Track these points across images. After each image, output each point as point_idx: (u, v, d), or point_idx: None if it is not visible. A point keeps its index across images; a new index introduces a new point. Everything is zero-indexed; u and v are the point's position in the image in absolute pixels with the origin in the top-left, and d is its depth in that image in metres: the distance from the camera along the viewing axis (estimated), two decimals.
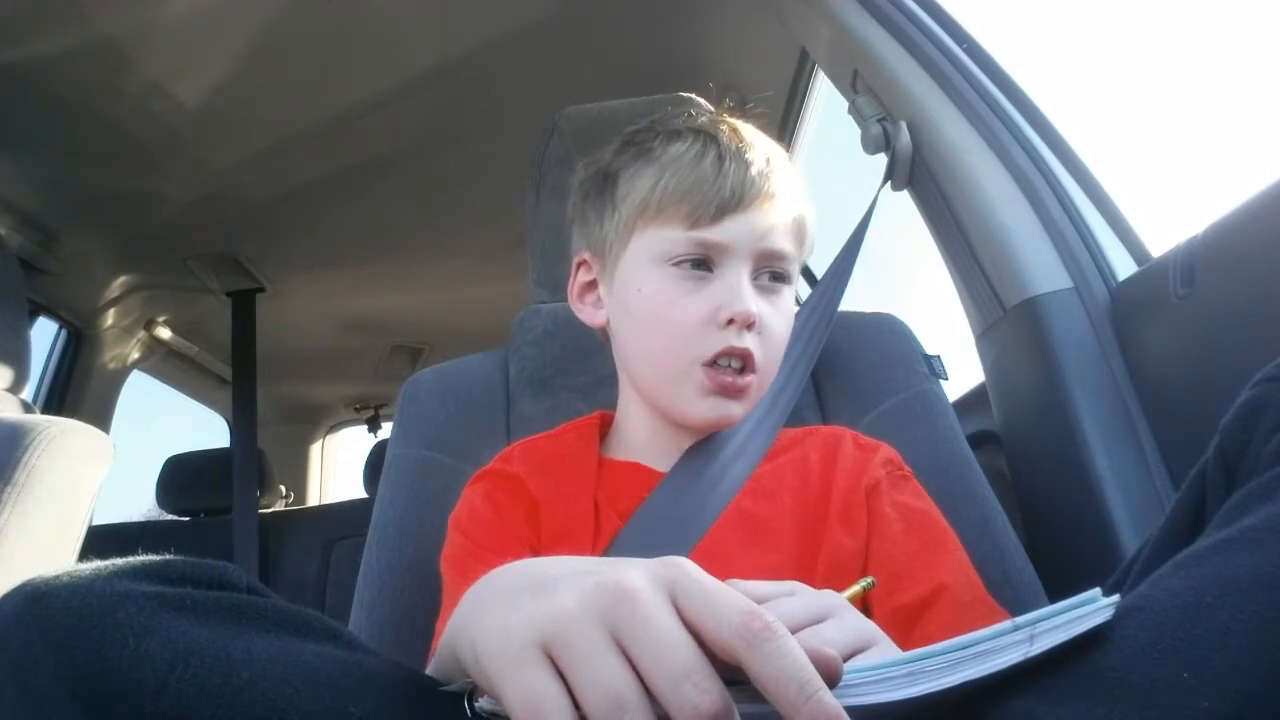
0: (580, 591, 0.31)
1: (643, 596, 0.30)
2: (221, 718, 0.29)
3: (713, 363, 0.66)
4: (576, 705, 0.29)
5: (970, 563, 0.64)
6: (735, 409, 0.68)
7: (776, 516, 0.67)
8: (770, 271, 0.69)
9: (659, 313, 0.68)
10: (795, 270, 0.72)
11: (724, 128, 0.71)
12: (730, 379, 0.66)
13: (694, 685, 0.28)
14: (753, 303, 0.66)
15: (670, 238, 0.68)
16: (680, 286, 0.67)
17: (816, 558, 0.64)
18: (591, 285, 0.77)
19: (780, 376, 0.78)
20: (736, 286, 0.66)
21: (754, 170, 0.67)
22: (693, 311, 0.66)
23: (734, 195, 0.66)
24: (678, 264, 0.67)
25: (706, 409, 0.67)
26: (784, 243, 0.69)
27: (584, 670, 0.29)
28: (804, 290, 1.98)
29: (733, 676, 0.29)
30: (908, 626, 0.59)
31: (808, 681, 0.27)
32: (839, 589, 0.63)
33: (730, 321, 0.65)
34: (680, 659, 0.28)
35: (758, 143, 0.71)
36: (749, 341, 0.66)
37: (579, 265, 0.78)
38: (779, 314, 0.69)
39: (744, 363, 0.67)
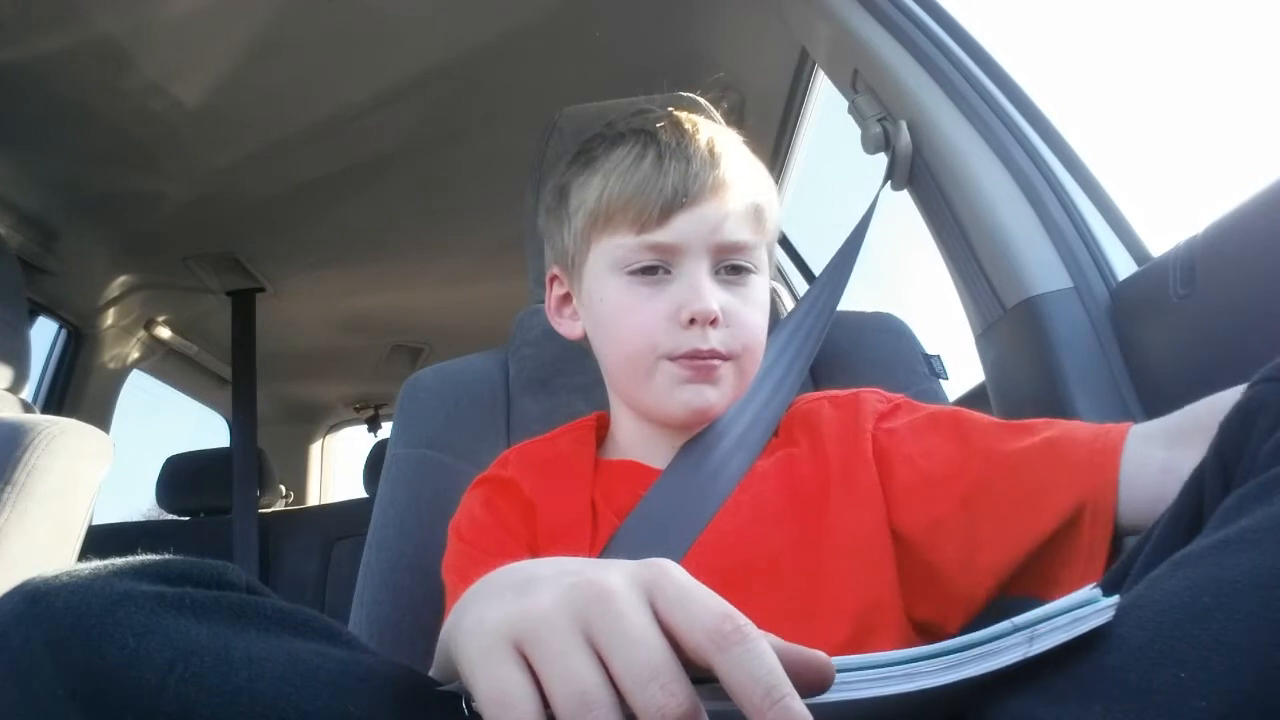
0: (557, 590, 0.31)
1: (618, 595, 0.30)
2: (221, 717, 0.30)
3: (679, 358, 0.66)
4: (548, 704, 0.29)
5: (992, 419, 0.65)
6: (711, 394, 0.67)
7: (773, 504, 0.67)
8: (730, 264, 0.68)
9: (622, 319, 0.68)
10: (761, 257, 0.70)
11: (665, 124, 0.70)
12: (701, 360, 0.66)
13: (661, 687, 0.28)
14: (713, 299, 0.65)
15: (622, 244, 0.67)
16: (638, 293, 0.67)
17: (822, 537, 0.63)
18: (566, 298, 0.77)
19: (778, 372, 0.77)
20: (695, 284, 0.65)
21: (696, 164, 0.66)
22: (653, 315, 0.66)
23: (677, 193, 0.65)
24: (634, 271, 0.67)
25: (684, 400, 0.67)
26: (740, 232, 0.67)
27: (553, 667, 0.29)
28: (802, 288, 1.98)
29: (708, 674, 0.29)
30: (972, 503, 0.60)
31: (775, 687, 0.27)
32: (864, 564, 0.62)
33: (692, 321, 0.65)
34: (649, 660, 0.28)
35: (701, 135, 0.69)
36: (714, 340, 0.65)
37: (551, 280, 0.78)
38: (747, 303, 0.68)
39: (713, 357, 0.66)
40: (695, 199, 0.66)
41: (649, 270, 0.67)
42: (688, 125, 0.70)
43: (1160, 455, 0.54)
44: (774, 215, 0.72)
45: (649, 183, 0.66)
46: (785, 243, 1.93)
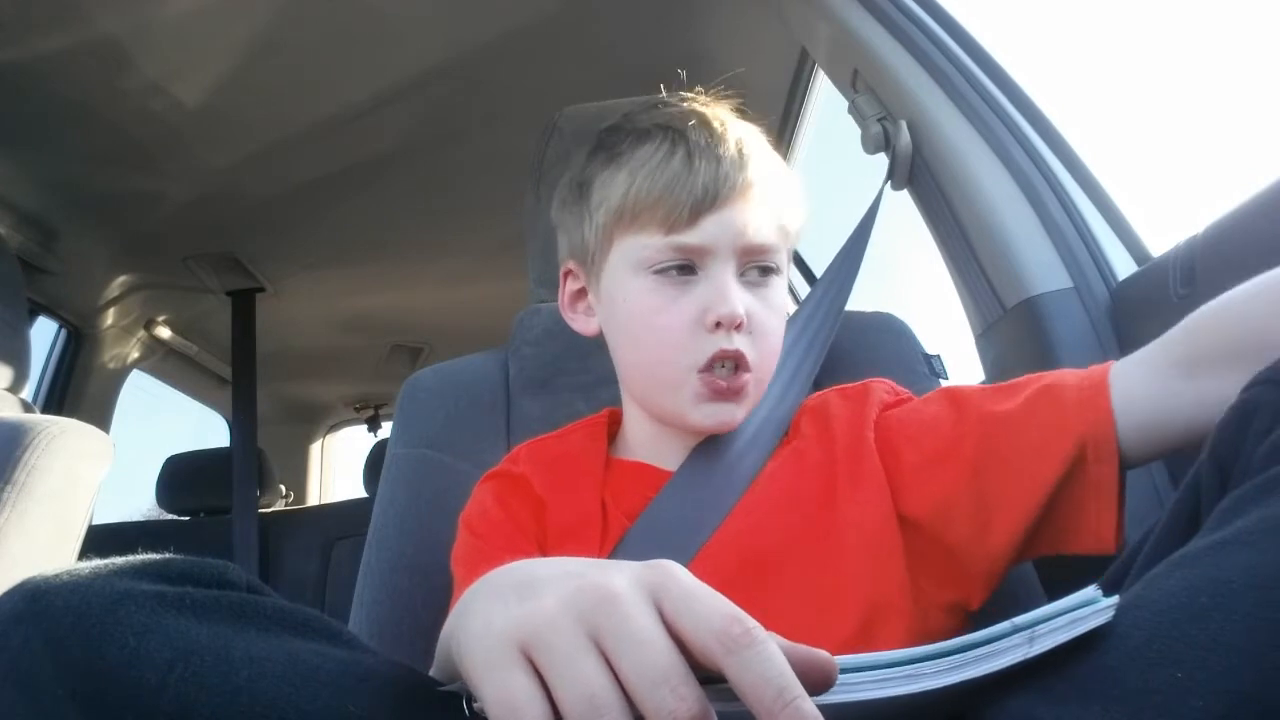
0: (562, 593, 0.31)
1: (624, 598, 0.30)
2: (221, 716, 0.30)
3: (708, 368, 0.65)
4: (556, 708, 0.29)
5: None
6: (736, 412, 0.67)
7: (781, 501, 0.66)
8: (758, 266, 0.67)
9: (647, 321, 0.67)
10: (784, 259, 0.69)
11: (693, 121, 0.68)
12: (726, 382, 0.65)
13: (671, 691, 0.28)
14: (739, 303, 0.64)
15: (649, 244, 0.66)
16: (663, 293, 0.66)
17: (831, 530, 0.63)
18: (581, 294, 0.76)
19: (787, 372, 0.77)
20: (722, 287, 0.64)
21: (726, 165, 0.65)
22: (679, 317, 0.65)
23: (707, 194, 0.64)
24: (659, 271, 0.66)
25: (705, 415, 0.66)
26: (767, 235, 0.66)
27: (561, 671, 0.29)
28: (802, 288, 1.98)
29: (714, 675, 0.29)
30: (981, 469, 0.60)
31: (786, 688, 0.27)
32: (873, 555, 0.62)
33: (718, 325, 0.64)
34: (658, 663, 0.28)
35: (729, 133, 0.68)
36: (739, 342, 0.64)
37: (566, 275, 0.76)
38: (769, 308, 0.67)
39: (737, 364, 0.65)
40: (725, 200, 0.64)
41: (670, 271, 0.66)
42: (716, 124, 0.68)
43: (1146, 381, 0.55)
44: (798, 217, 0.71)
45: (679, 182, 0.64)
46: None
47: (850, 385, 0.73)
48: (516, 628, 0.31)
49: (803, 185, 0.74)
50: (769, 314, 0.67)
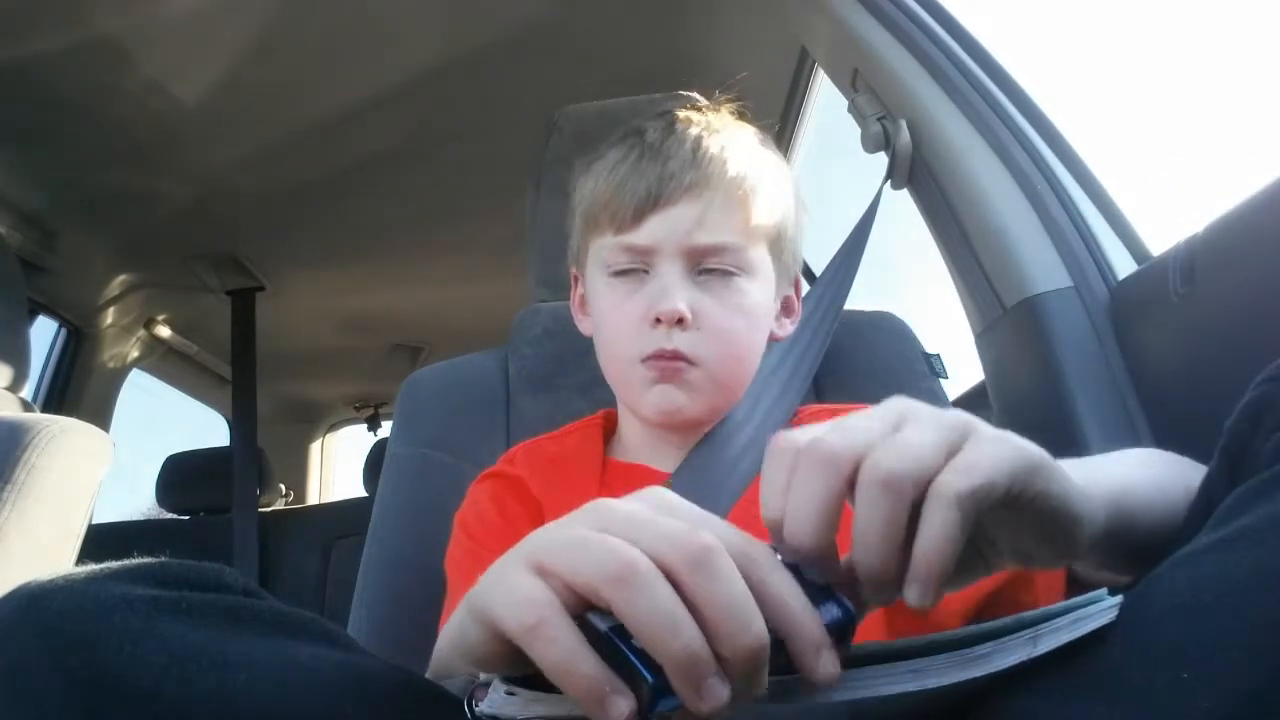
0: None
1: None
2: None
3: (650, 359, 0.66)
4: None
5: None
6: (679, 397, 0.66)
7: None
8: (711, 268, 0.66)
9: (606, 319, 0.70)
10: (750, 258, 0.68)
11: (659, 124, 0.69)
12: (666, 362, 0.65)
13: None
14: (680, 300, 0.64)
15: (605, 245, 0.68)
16: (618, 292, 0.68)
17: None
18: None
19: (785, 372, 0.77)
20: (664, 284, 0.65)
21: (673, 165, 0.65)
22: (629, 314, 0.67)
23: (650, 195, 0.65)
24: (615, 272, 0.68)
25: (654, 400, 0.67)
26: (717, 235, 0.65)
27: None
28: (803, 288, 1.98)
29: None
30: None
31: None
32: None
33: (658, 321, 0.64)
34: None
35: (690, 133, 0.68)
36: (679, 341, 0.65)
37: (574, 279, 0.79)
38: (724, 306, 0.66)
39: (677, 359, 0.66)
40: (669, 200, 0.65)
41: (629, 271, 0.68)
42: (680, 124, 0.69)
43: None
44: (773, 216, 0.70)
45: (625, 184, 0.66)
46: None
47: (846, 407, 0.73)
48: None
49: (795, 184, 0.74)
50: (726, 313, 0.66)
